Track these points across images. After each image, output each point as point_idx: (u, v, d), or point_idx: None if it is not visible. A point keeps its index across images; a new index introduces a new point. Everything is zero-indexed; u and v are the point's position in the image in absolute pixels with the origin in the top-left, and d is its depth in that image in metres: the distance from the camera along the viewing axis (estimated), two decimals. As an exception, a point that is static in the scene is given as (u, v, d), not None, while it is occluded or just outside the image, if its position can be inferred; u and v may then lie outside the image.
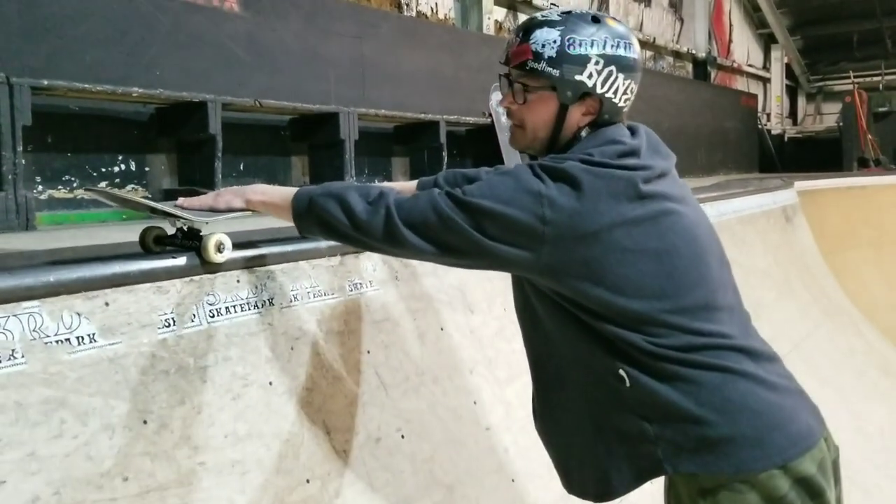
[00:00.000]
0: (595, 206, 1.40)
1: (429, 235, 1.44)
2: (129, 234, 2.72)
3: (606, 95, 1.51)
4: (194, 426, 1.62)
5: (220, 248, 1.71)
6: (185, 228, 1.73)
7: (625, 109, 1.57)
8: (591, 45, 1.48)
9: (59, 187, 3.64)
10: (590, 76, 1.49)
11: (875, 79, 14.56)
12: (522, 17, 8.86)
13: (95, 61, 3.68)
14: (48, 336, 1.42)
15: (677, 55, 12.57)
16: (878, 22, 14.52)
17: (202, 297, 1.70)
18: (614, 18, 1.57)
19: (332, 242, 2.06)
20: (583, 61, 1.48)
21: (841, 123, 13.00)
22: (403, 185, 2.08)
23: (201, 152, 4.01)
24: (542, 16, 1.53)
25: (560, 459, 1.66)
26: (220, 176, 3.95)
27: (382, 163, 5.83)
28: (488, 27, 7.97)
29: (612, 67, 1.50)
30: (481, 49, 6.81)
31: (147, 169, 4.04)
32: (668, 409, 1.43)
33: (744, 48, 15.17)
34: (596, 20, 1.51)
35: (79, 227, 3.48)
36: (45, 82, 3.26)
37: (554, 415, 1.63)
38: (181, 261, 1.67)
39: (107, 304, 1.52)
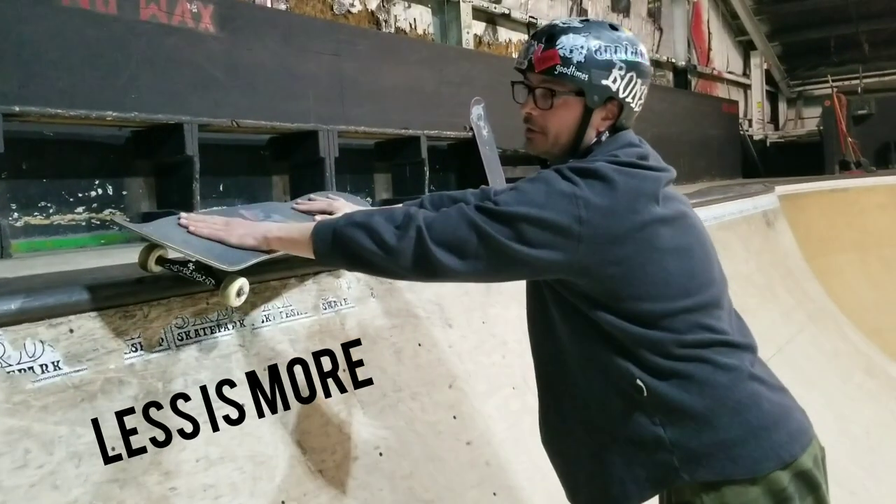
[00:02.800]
0: (629, 205, 1.43)
1: (465, 254, 1.42)
2: (106, 259, 2.71)
3: (627, 100, 1.55)
4: (164, 451, 1.60)
5: (239, 293, 1.64)
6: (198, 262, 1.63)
7: (636, 114, 1.60)
8: (615, 51, 1.52)
9: (35, 214, 3.62)
10: (614, 81, 1.52)
11: (853, 82, 14.70)
12: (502, 31, 8.92)
13: (69, 86, 3.67)
14: (10, 365, 1.40)
15: (657, 64, 12.66)
16: (854, 26, 14.70)
17: (170, 320, 1.68)
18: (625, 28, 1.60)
19: (307, 261, 2.06)
20: (609, 66, 1.51)
21: (821, 127, 13.12)
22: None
23: (179, 174, 4.00)
24: (563, 23, 1.55)
25: (567, 472, 1.65)
26: (198, 198, 3.94)
27: (364, 179, 5.83)
28: (468, 41, 8.01)
29: (633, 73, 1.54)
30: (461, 64, 6.85)
31: (125, 192, 4.03)
32: (683, 414, 1.44)
33: (723, 56, 15.31)
34: (614, 28, 1.55)
35: (55, 253, 3.45)
36: (17, 108, 3.25)
37: (564, 427, 1.63)
38: (147, 285, 1.65)
39: (71, 330, 1.50)
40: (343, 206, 2.04)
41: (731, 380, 1.47)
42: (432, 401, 2.33)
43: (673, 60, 12.97)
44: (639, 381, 1.45)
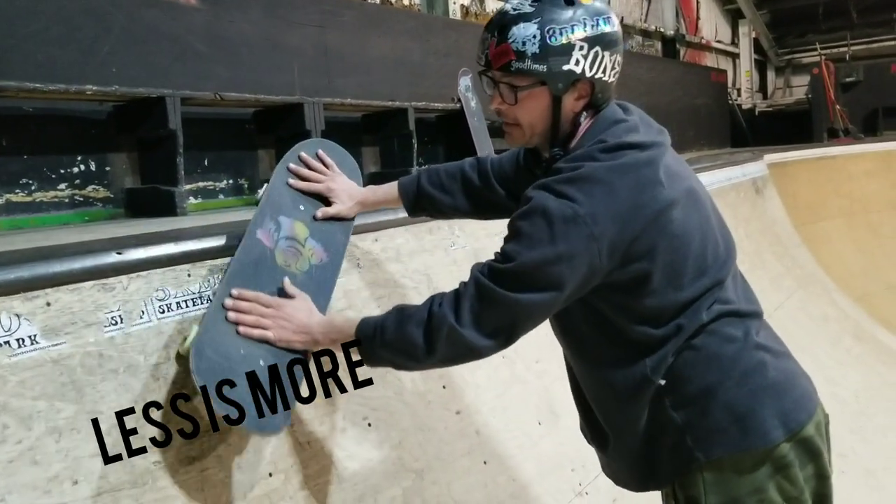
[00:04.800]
0: (635, 202, 1.39)
1: (510, 332, 1.45)
2: (88, 234, 2.67)
3: (597, 77, 1.48)
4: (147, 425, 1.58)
5: None
6: None
7: (613, 84, 1.54)
8: (572, 30, 1.43)
9: (17, 191, 3.56)
10: (577, 62, 1.44)
11: (841, 50, 14.62)
12: (489, 1, 8.81)
13: (48, 60, 3.59)
14: (-14, 339, 1.37)
15: (646, 34, 12.55)
16: (842, -8, 14.59)
17: (151, 292, 1.65)
18: None
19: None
20: (567, 50, 1.43)
21: (810, 95, 13.08)
22: (377, 191, 2.14)
23: (163, 149, 3.92)
24: (514, 8, 1.46)
25: (605, 465, 1.74)
26: (182, 172, 3.88)
27: (352, 153, 5.66)
28: (455, 12, 7.91)
29: (598, 48, 1.45)
30: (448, 34, 6.77)
31: (108, 168, 3.96)
32: (691, 390, 1.45)
33: (712, 24, 15.19)
34: (570, 2, 1.45)
35: (39, 230, 3.40)
36: (-6, 83, 3.18)
37: (594, 427, 1.67)
38: (126, 256, 1.61)
39: (48, 304, 1.47)
40: (340, 190, 2.05)
41: (737, 350, 1.46)
42: (421, 371, 2.31)
43: (661, 30, 12.86)
44: (661, 381, 1.46)
